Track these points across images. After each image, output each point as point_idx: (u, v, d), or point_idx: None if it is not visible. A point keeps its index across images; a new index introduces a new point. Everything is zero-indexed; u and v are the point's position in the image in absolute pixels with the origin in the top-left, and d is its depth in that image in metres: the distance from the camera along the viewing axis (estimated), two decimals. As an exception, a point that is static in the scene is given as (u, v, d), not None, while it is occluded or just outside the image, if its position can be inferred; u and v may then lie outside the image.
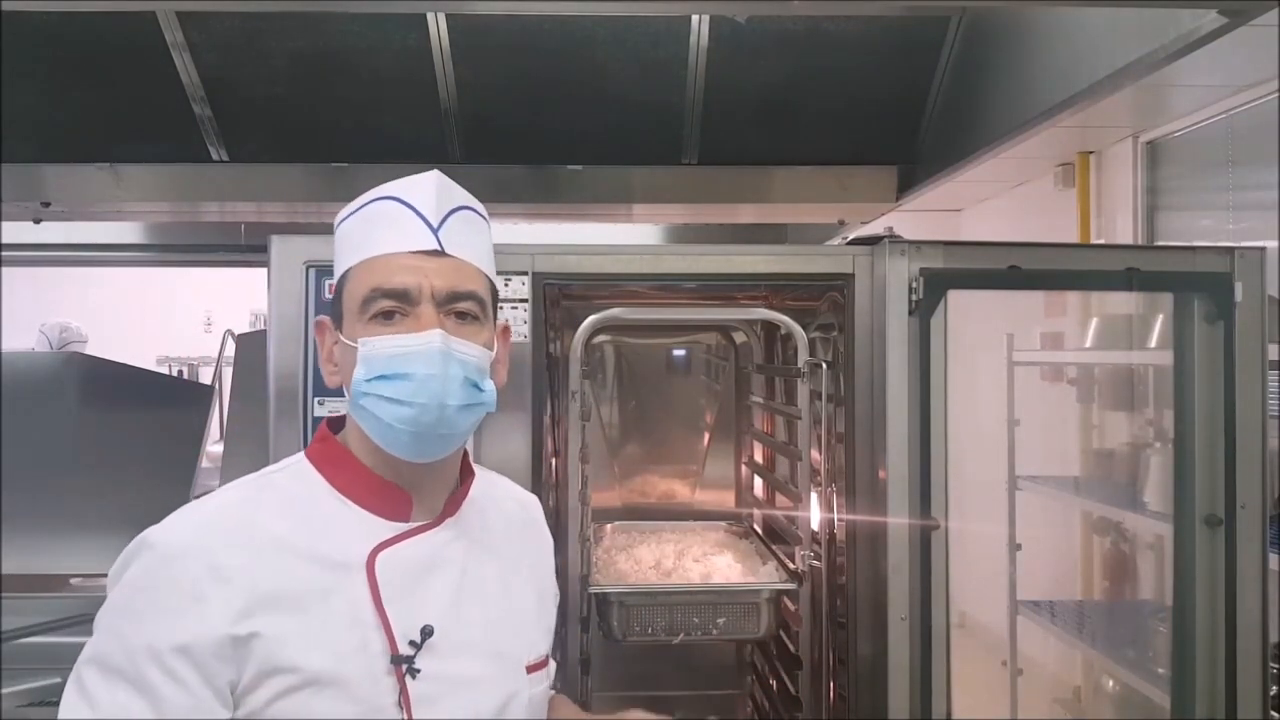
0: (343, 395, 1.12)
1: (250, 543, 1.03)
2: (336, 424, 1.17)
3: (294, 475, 1.12)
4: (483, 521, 1.19)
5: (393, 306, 1.05)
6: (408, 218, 1.08)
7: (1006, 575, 3.51)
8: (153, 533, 1.04)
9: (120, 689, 0.97)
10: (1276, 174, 3.55)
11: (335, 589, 1.03)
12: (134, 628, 0.99)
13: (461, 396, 1.06)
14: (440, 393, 1.04)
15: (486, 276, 1.13)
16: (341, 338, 1.09)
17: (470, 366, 1.07)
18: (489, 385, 1.10)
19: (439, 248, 1.07)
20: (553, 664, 1.27)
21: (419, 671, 1.04)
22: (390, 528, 1.09)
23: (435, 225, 1.08)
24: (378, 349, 1.04)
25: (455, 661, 1.08)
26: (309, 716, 0.99)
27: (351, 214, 1.13)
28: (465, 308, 1.08)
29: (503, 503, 1.27)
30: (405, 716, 1.03)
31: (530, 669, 1.17)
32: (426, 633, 1.06)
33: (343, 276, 1.11)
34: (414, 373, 1.03)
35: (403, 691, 1.03)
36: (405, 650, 1.04)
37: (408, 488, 1.11)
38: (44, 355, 5.22)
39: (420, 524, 1.12)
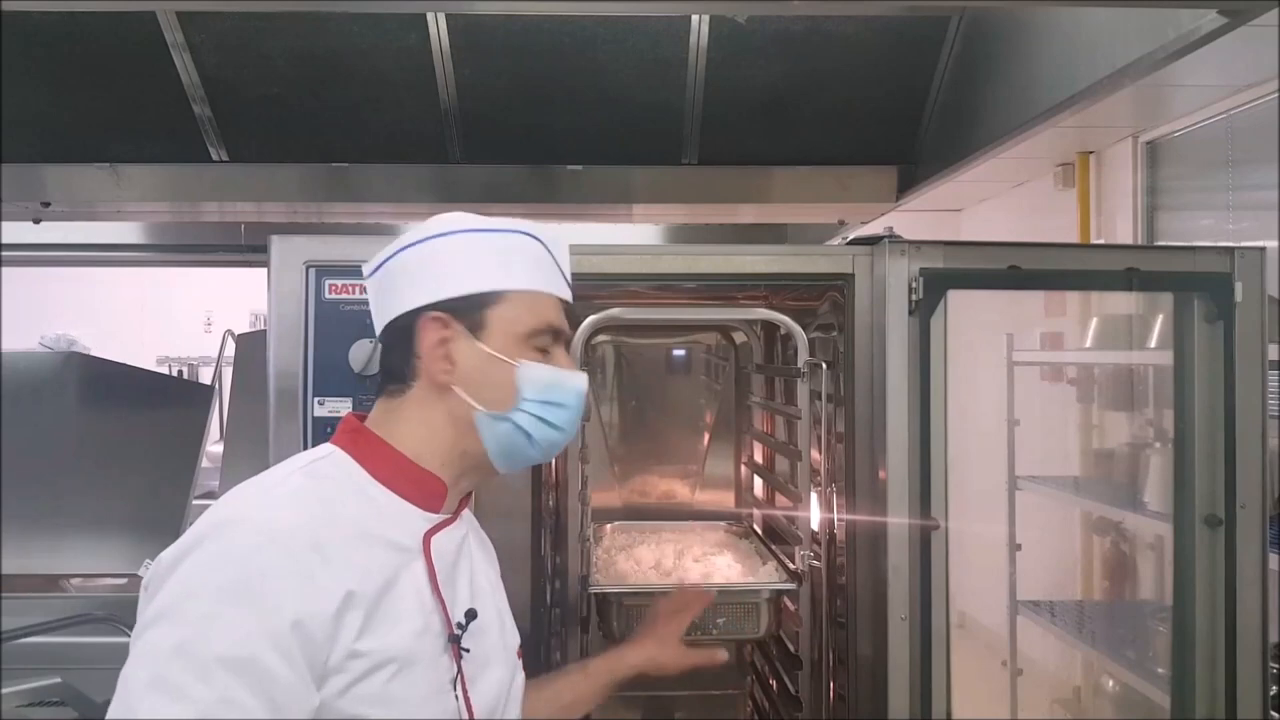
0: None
1: (335, 524, 1.05)
2: (360, 417, 1.21)
3: (335, 464, 1.14)
4: (470, 520, 1.29)
5: (551, 343, 1.20)
6: (553, 266, 1.22)
7: (1006, 575, 3.52)
8: (237, 513, 1.04)
9: (221, 678, 0.92)
10: (1276, 174, 3.55)
11: (401, 571, 1.09)
12: (239, 609, 0.95)
13: (576, 431, 1.24)
14: (575, 425, 1.22)
15: None
16: (486, 348, 1.14)
17: None
18: None
19: (570, 302, 1.24)
20: None
21: (468, 651, 1.12)
22: (429, 517, 1.16)
23: (570, 282, 1.25)
24: (545, 376, 1.17)
25: (482, 644, 1.18)
26: (387, 697, 1.03)
27: (486, 231, 1.19)
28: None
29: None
30: (461, 692, 1.11)
31: (518, 654, 1.29)
32: (471, 615, 1.14)
33: (493, 294, 1.16)
34: (569, 404, 1.19)
35: (459, 670, 1.11)
36: (456, 631, 1.12)
37: (448, 483, 1.18)
38: (44, 355, 5.22)
39: (449, 515, 1.19)
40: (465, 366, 1.14)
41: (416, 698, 1.05)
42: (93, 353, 6.11)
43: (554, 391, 1.17)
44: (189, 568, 0.98)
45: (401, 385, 1.17)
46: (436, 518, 1.16)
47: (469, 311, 1.15)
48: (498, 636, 1.23)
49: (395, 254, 1.17)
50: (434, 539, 1.14)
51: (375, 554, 1.06)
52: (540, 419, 1.16)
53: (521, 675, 1.28)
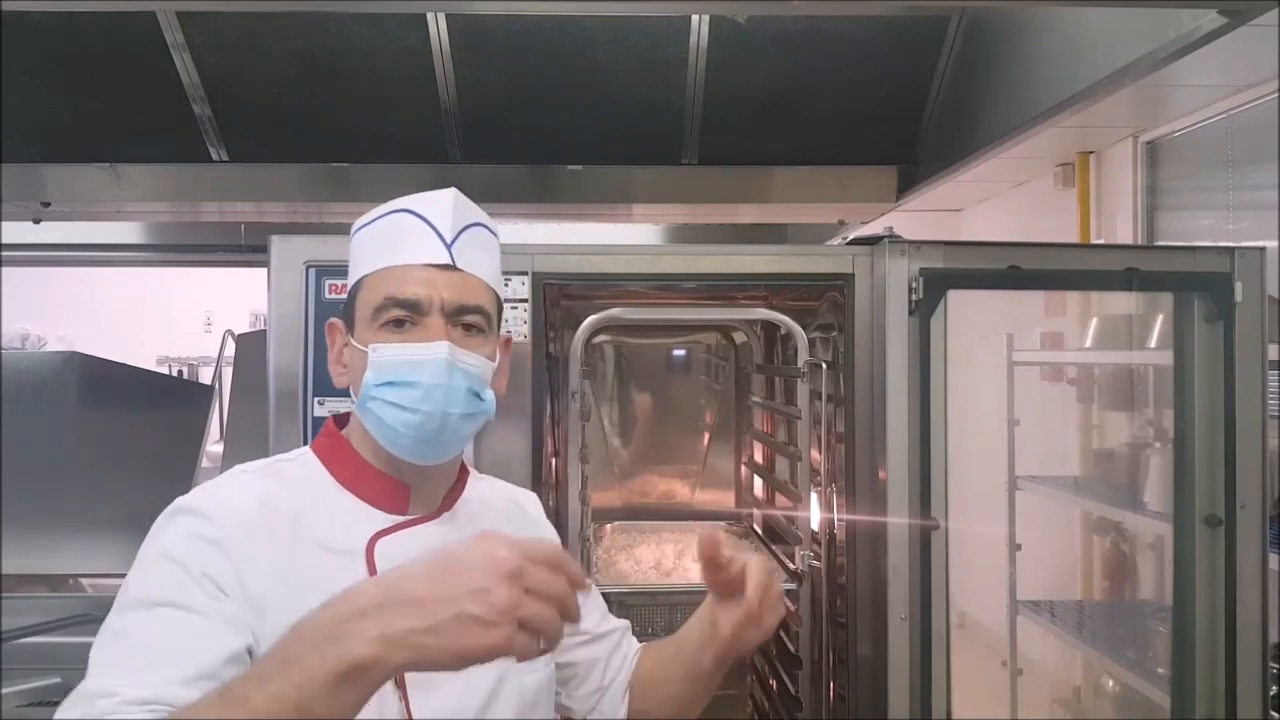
0: (345, 395, 1.17)
1: (271, 520, 1.06)
2: (341, 420, 1.22)
3: (301, 465, 1.17)
4: (478, 518, 1.23)
5: (404, 316, 1.10)
6: (424, 232, 1.13)
7: (1006, 575, 3.51)
8: (184, 500, 1.07)
9: (155, 612, 0.97)
10: (1276, 174, 3.55)
11: (338, 574, 1.04)
12: (170, 565, 1.00)
13: (464, 405, 1.11)
14: (444, 401, 1.09)
15: (493, 291, 1.18)
16: (352, 341, 1.14)
17: (473, 377, 1.12)
18: (489, 395, 1.15)
19: (451, 262, 1.12)
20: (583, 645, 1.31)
21: None
22: (388, 519, 1.14)
23: (449, 240, 1.13)
24: (387, 355, 1.10)
25: None
26: None
27: (368, 223, 1.18)
28: (472, 320, 1.13)
29: (498, 503, 1.30)
30: (401, 698, 1.06)
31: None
32: None
33: (357, 283, 1.15)
34: (420, 381, 1.08)
35: (399, 676, 1.05)
36: None
37: (407, 483, 1.16)
38: (44, 355, 5.23)
39: (416, 516, 1.16)
40: (350, 366, 1.16)
41: None
42: (51, 343, 6.17)
43: (398, 370, 1.09)
44: (140, 553, 1.04)
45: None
46: (399, 518, 1.14)
47: (347, 310, 1.17)
48: None
49: None
50: (381, 541, 1.12)
51: (307, 555, 1.06)
52: (387, 402, 1.09)
53: (525, 679, 1.19)
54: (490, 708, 1.14)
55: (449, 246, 1.13)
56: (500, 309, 1.21)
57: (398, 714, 1.06)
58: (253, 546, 1.03)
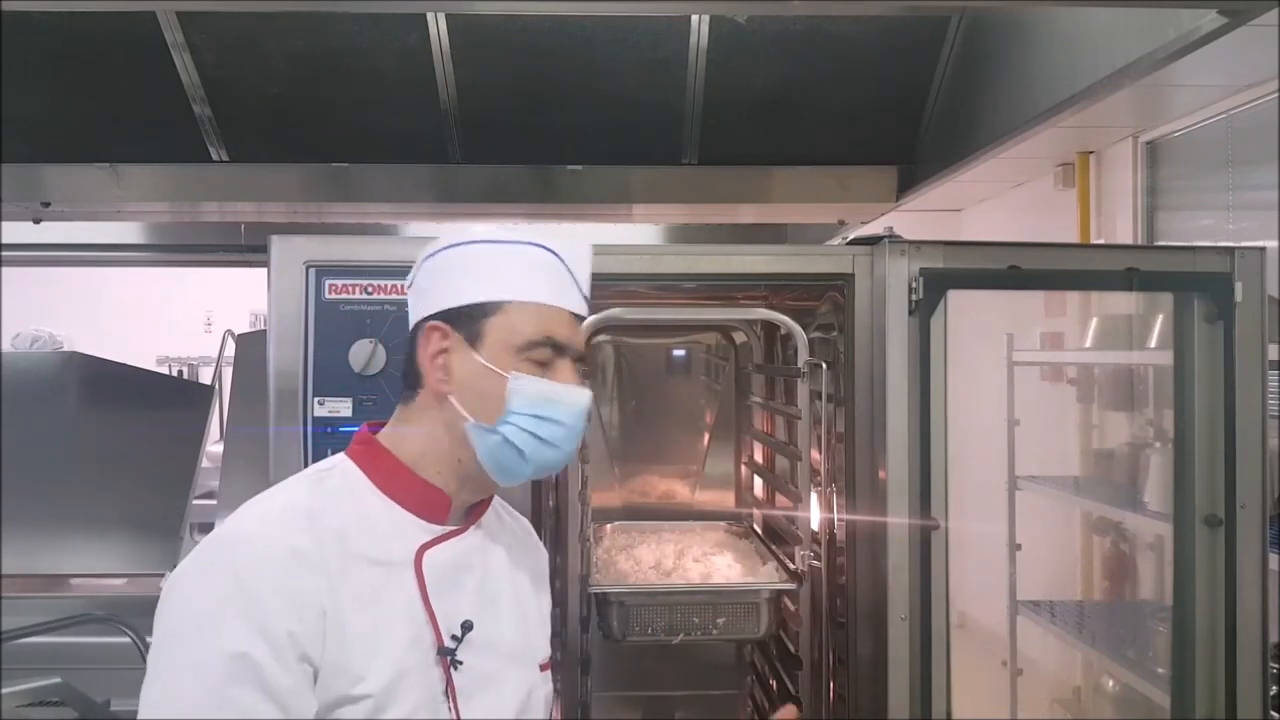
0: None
1: (323, 538, 1.07)
2: (375, 427, 1.22)
3: (342, 475, 1.17)
4: (500, 531, 1.28)
5: (551, 357, 1.16)
6: (567, 279, 1.19)
7: (1006, 575, 3.52)
8: (228, 530, 1.08)
9: (221, 680, 0.97)
10: (1276, 174, 3.55)
11: (388, 585, 1.10)
12: (233, 620, 0.99)
13: (575, 448, 1.19)
14: (574, 443, 1.18)
15: None
16: (481, 359, 1.14)
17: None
18: None
19: (585, 316, 1.21)
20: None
21: (460, 664, 1.11)
22: (430, 529, 1.16)
23: (586, 295, 1.21)
24: (538, 389, 1.14)
25: (485, 657, 1.15)
26: (373, 714, 1.03)
27: (498, 243, 1.18)
28: (582, 370, 1.20)
29: (509, 520, 1.34)
30: (451, 705, 1.10)
31: (542, 667, 1.26)
32: (466, 627, 1.12)
33: (493, 304, 1.15)
34: (565, 421, 1.15)
35: (449, 683, 1.10)
36: (448, 644, 1.11)
37: (450, 495, 1.18)
38: (44, 355, 5.22)
39: (455, 527, 1.18)
40: (460, 377, 1.15)
41: (406, 707, 1.06)
42: (67, 344, 6.17)
43: (546, 406, 1.13)
44: (187, 586, 1.03)
45: (410, 393, 1.19)
46: (439, 529, 1.16)
47: (469, 322, 1.15)
48: (513, 649, 1.21)
49: (420, 265, 1.21)
50: (428, 552, 1.13)
51: (360, 569, 1.08)
52: (531, 434, 1.13)
53: (545, 688, 1.26)
54: (525, 709, 1.20)
55: (586, 301, 1.21)
56: None
57: (448, 716, 1.10)
58: (313, 569, 1.04)
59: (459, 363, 1.15)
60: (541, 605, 1.32)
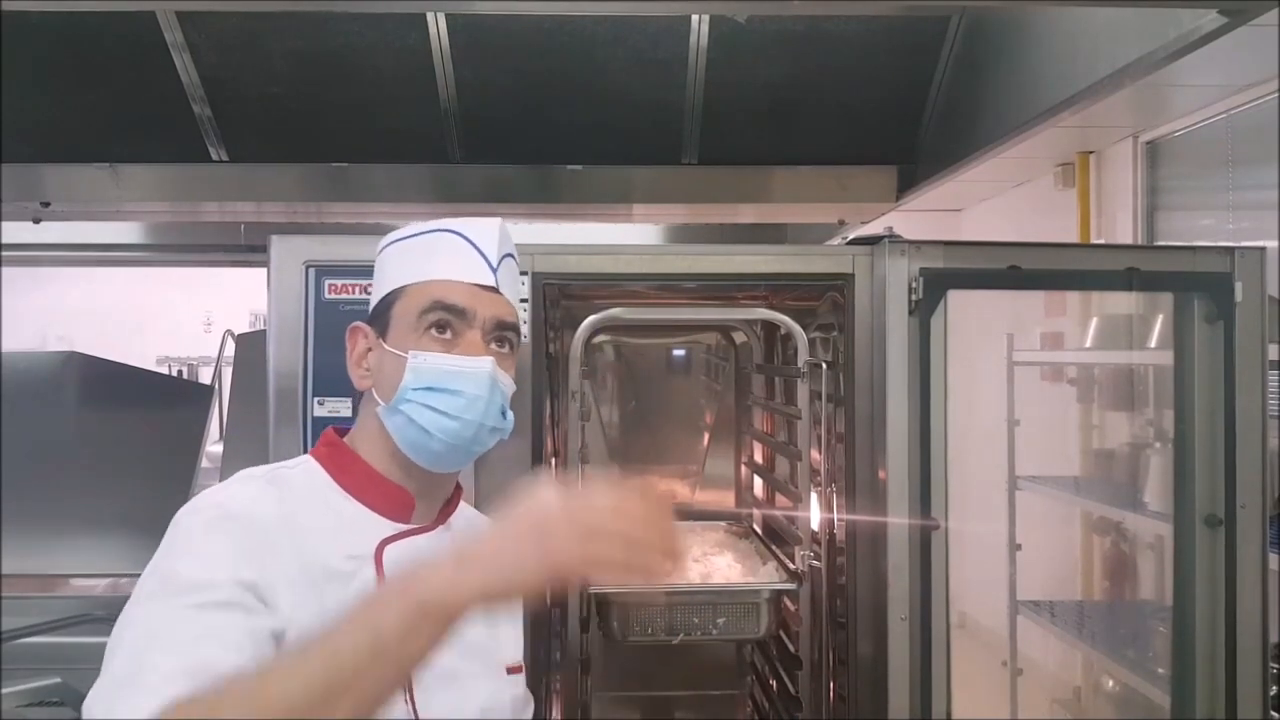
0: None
1: (283, 525, 1.08)
2: (341, 430, 1.25)
3: (304, 472, 1.18)
4: (469, 532, 1.26)
5: (448, 320, 1.15)
6: (469, 253, 1.19)
7: (1006, 575, 3.52)
8: (202, 499, 1.09)
9: (189, 599, 0.97)
10: (1276, 174, 3.55)
11: (348, 579, 1.09)
12: (199, 563, 1.00)
13: (495, 419, 1.16)
14: (482, 413, 1.14)
15: (518, 317, 1.24)
16: (386, 346, 1.17)
17: (505, 395, 1.18)
18: (511, 414, 1.20)
19: (495, 285, 1.19)
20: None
21: None
22: (393, 526, 1.16)
23: (494, 265, 1.19)
24: (431, 363, 1.14)
25: (446, 655, 1.11)
26: None
27: (409, 237, 1.22)
28: (507, 337, 1.19)
29: (479, 521, 1.34)
30: (409, 701, 1.09)
31: (510, 670, 1.26)
32: None
33: (395, 291, 1.19)
34: (464, 390, 1.13)
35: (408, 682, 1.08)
36: None
37: (412, 493, 1.19)
38: (44, 355, 5.22)
39: (419, 525, 1.19)
40: (375, 368, 1.19)
41: None
42: (78, 343, 6.14)
43: (442, 378, 1.13)
44: (156, 557, 1.04)
45: (358, 397, 1.24)
46: (402, 526, 1.17)
47: (379, 317, 1.20)
48: (477, 649, 1.18)
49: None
50: (389, 547, 1.14)
51: (318, 559, 1.08)
52: (428, 407, 1.12)
53: (515, 691, 1.25)
54: (489, 711, 1.18)
55: (494, 270, 1.19)
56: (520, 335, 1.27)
57: (405, 715, 1.08)
58: (277, 554, 1.04)
59: (375, 356, 1.19)
60: (512, 609, 1.31)
